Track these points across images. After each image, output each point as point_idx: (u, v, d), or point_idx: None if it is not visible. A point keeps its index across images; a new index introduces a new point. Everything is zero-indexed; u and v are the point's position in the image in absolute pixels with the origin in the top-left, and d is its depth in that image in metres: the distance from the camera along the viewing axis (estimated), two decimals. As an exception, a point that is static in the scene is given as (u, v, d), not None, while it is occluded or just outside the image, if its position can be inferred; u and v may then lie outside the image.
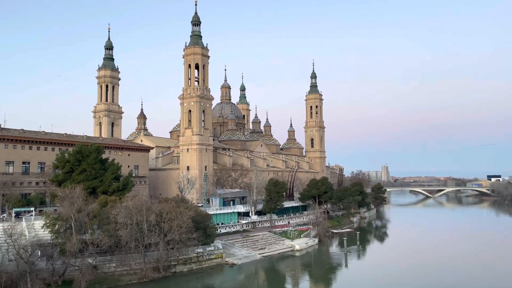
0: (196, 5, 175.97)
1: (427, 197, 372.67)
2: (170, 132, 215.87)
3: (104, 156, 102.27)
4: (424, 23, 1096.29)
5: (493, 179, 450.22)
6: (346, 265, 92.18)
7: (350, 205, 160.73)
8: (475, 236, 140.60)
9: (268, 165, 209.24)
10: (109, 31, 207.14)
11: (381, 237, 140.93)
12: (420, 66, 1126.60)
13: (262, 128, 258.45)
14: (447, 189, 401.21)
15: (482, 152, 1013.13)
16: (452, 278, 78.57)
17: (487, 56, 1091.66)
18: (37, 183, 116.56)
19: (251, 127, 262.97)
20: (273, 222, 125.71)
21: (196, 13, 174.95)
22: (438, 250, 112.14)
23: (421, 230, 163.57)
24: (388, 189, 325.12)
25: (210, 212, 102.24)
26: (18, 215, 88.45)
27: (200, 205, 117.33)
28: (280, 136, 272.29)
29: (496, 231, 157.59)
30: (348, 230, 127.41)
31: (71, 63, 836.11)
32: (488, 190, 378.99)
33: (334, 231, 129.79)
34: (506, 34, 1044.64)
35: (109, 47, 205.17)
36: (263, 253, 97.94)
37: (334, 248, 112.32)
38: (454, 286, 75.71)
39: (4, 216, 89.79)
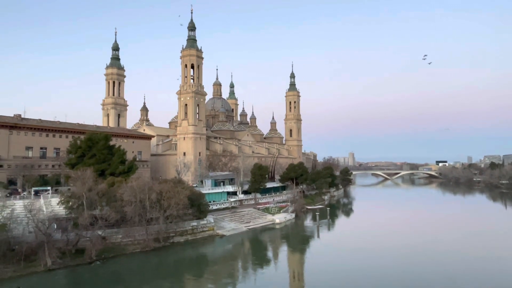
0: (191, 13, 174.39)
1: (386, 179, 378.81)
2: (169, 123, 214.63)
3: (111, 143, 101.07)
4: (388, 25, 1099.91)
5: (440, 164, 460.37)
6: (318, 236, 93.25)
7: (322, 185, 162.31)
8: (420, 208, 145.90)
9: (253, 152, 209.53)
10: (115, 35, 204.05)
11: (347, 212, 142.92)
12: (383, 63, 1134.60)
13: (248, 120, 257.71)
14: (403, 172, 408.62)
15: (432, 141, 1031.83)
16: (400, 242, 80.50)
17: (443, 47, 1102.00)
18: (53, 166, 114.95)
19: (239, 119, 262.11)
20: (257, 200, 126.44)
21: (191, 19, 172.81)
22: (392, 222, 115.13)
23: (379, 206, 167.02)
24: (354, 172, 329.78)
25: (203, 192, 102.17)
26: (36, 193, 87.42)
27: (195, 185, 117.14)
28: (263, 127, 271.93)
29: (435, 202, 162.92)
30: (320, 206, 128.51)
31: (83, 64, 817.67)
32: (436, 173, 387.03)
33: (308, 207, 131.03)
34: (457, 20, 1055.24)
35: (115, 48, 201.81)
36: (249, 226, 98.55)
37: (308, 222, 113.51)
38: (398, 244, 77.92)
39: (24, 194, 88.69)
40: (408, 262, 66.23)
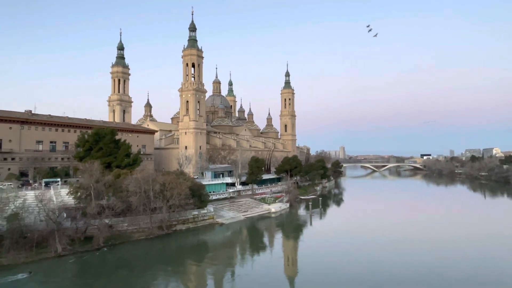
0: (192, 14, 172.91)
1: (374, 171, 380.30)
2: (171, 118, 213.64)
3: (117, 137, 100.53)
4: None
5: (425, 157, 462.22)
6: (311, 224, 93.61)
7: (314, 177, 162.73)
8: (404, 198, 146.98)
9: (250, 146, 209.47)
10: (120, 35, 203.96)
11: (338, 202, 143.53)
12: (372, 62, 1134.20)
13: (246, 116, 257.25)
14: (389, 165, 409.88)
15: (417, 136, 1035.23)
16: (385, 228, 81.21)
17: (434, 47, 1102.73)
18: (62, 159, 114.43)
19: (237, 115, 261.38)
20: (254, 190, 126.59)
21: (192, 21, 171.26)
22: (379, 210, 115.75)
23: (368, 196, 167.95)
24: (344, 165, 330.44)
25: (204, 183, 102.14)
26: (47, 184, 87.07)
27: (196, 177, 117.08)
28: (260, 122, 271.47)
29: (416, 190, 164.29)
30: (313, 196, 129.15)
31: (90, 62, 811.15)
32: (421, 165, 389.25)
33: (302, 197, 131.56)
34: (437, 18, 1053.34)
35: (120, 48, 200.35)
36: (246, 214, 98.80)
37: (301, 211, 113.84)
38: (384, 230, 78.46)
39: (35, 185, 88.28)
40: (391, 245, 67.34)
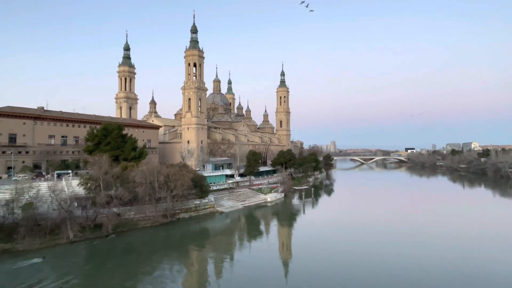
0: (194, 17, 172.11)
1: (362, 163, 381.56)
2: (175, 114, 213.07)
3: (124, 132, 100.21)
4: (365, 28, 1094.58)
5: (409, 151, 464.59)
6: (304, 212, 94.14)
7: (307, 169, 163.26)
8: (389, 187, 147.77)
9: (248, 140, 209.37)
10: (126, 36, 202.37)
11: (329, 192, 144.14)
12: (361, 64, 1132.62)
13: (244, 112, 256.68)
14: (376, 158, 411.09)
15: (402, 131, 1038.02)
16: (371, 215, 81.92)
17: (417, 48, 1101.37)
18: (73, 152, 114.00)
19: (235, 111, 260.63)
20: (252, 181, 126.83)
21: (194, 23, 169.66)
22: (366, 200, 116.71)
23: (356, 186, 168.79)
24: (335, 158, 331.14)
25: (205, 174, 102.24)
26: (59, 176, 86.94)
27: (197, 169, 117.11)
28: (257, 118, 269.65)
29: (400, 181, 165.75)
30: (306, 187, 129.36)
31: (98, 63, 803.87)
32: (405, 158, 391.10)
33: (296, 188, 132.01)
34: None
35: (126, 48, 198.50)
36: (244, 204, 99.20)
37: (295, 200, 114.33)
38: (370, 218, 79.11)
39: (48, 177, 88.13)
40: (376, 230, 67.77)
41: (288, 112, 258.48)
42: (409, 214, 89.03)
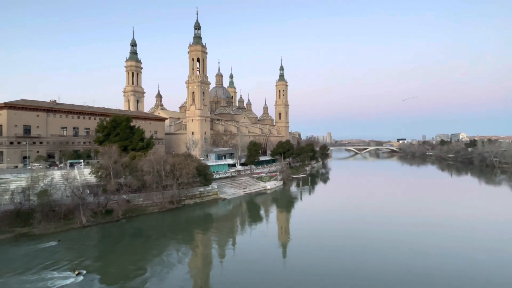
0: (197, 14, 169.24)
1: (356, 153, 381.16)
2: (180, 107, 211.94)
3: (132, 124, 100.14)
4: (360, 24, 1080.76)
5: (400, 141, 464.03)
6: (301, 199, 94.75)
7: (305, 159, 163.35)
8: (382, 176, 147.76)
9: (249, 132, 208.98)
10: (133, 33, 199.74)
11: (325, 180, 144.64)
12: (356, 56, 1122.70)
13: (245, 105, 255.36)
14: (370, 148, 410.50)
15: (394, 122, 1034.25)
16: (364, 201, 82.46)
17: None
18: (84, 143, 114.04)
19: (237, 104, 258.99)
20: (252, 170, 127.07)
21: (197, 20, 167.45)
22: (359, 186, 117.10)
23: (350, 175, 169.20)
24: (330, 148, 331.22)
25: (209, 164, 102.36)
26: (71, 165, 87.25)
27: (201, 159, 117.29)
28: (257, 111, 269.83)
29: (392, 169, 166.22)
30: (303, 175, 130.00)
31: (106, 58, 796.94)
32: (397, 148, 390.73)
33: (294, 176, 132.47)
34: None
35: (133, 44, 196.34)
36: (245, 191, 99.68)
37: (293, 188, 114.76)
38: (363, 203, 79.85)
39: (61, 166, 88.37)
40: (367, 214, 68.25)
41: (286, 105, 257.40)
42: (398, 201, 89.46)
